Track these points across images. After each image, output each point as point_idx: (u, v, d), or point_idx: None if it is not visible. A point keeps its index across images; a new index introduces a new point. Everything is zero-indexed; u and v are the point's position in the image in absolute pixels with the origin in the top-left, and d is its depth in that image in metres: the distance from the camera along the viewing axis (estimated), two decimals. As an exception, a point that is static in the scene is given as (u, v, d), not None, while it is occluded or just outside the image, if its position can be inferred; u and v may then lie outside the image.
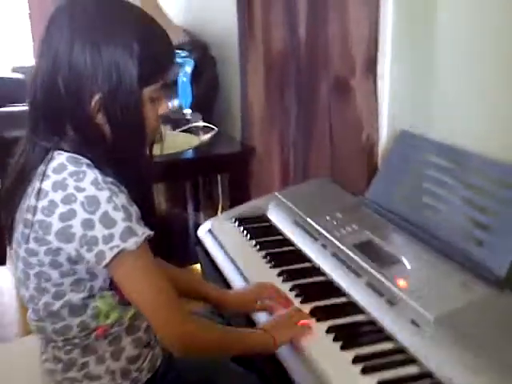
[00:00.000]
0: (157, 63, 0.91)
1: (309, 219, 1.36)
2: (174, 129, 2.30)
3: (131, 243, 0.85)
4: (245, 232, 1.40)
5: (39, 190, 0.87)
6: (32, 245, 0.89)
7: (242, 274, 1.25)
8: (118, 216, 0.84)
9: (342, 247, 1.21)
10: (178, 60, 2.30)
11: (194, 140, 2.19)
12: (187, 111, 2.33)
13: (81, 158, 0.88)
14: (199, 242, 1.47)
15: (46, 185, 0.87)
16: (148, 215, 0.91)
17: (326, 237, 1.27)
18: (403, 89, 1.42)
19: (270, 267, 1.24)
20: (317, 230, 1.31)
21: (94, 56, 0.85)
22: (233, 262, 1.30)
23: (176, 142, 2.15)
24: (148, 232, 0.88)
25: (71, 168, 0.86)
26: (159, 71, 0.92)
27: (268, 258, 1.27)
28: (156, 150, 2.02)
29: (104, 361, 0.97)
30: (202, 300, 1.16)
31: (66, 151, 0.89)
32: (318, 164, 1.71)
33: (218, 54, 2.48)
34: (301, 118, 1.77)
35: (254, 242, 1.35)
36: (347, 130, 1.55)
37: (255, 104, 2.07)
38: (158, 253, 1.15)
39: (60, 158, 0.88)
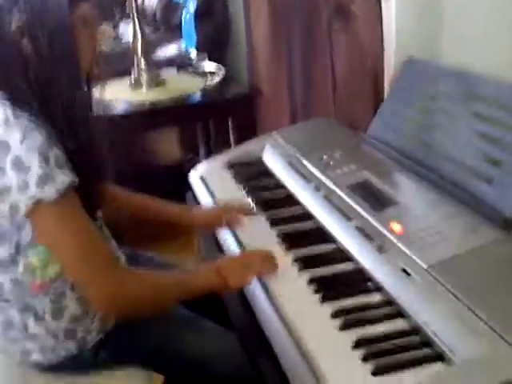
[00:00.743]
0: None
1: (304, 160, 1.23)
2: (178, 71, 2.17)
3: (49, 192, 0.75)
4: (235, 176, 1.29)
5: None
6: None
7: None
8: (33, 160, 0.74)
9: (334, 189, 1.09)
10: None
11: (200, 83, 2.06)
12: (192, 52, 2.19)
13: None
14: (189, 188, 1.37)
15: None
16: (83, 159, 0.80)
17: (319, 178, 1.14)
18: (411, 11, 1.25)
19: (258, 212, 1.13)
20: (311, 172, 1.18)
21: None
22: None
23: (180, 85, 2.04)
24: (71, 178, 0.77)
25: None
26: None
27: (256, 203, 1.16)
28: (158, 94, 1.95)
29: (43, 320, 0.87)
30: (167, 221, 1.13)
31: None
32: (320, 101, 1.56)
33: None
34: (303, 54, 1.62)
35: (243, 185, 1.24)
36: (350, 62, 1.39)
37: (261, 44, 1.92)
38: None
39: None
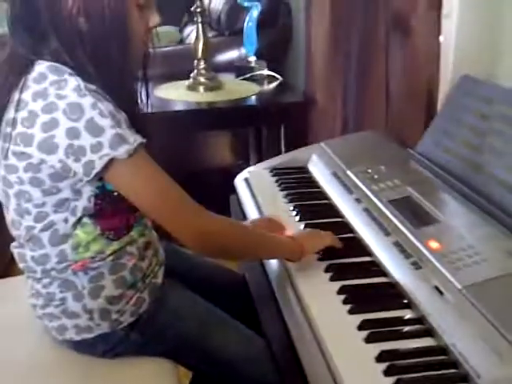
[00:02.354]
0: None
1: (348, 171, 1.22)
2: (236, 76, 2.20)
3: (122, 152, 0.79)
4: (279, 182, 1.30)
5: (18, 101, 0.82)
6: (11, 160, 0.84)
7: (267, 225, 1.15)
8: (106, 122, 0.79)
9: (376, 202, 1.08)
10: (245, 3, 2.19)
11: (255, 88, 2.09)
12: (252, 58, 2.22)
13: (62, 66, 0.82)
14: (234, 191, 1.39)
15: (26, 95, 0.82)
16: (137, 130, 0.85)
17: (361, 190, 1.14)
18: (472, 29, 1.23)
19: (296, 220, 1.13)
20: (353, 183, 1.18)
21: None
22: (260, 212, 1.21)
23: (236, 89, 2.07)
24: (140, 139, 0.82)
25: (52, 77, 0.81)
26: None
27: (296, 210, 1.16)
28: (214, 97, 1.98)
29: (82, 298, 0.91)
30: None
31: (47, 60, 0.83)
32: (373, 115, 1.55)
33: (294, 1, 2.34)
34: (359, 65, 1.61)
35: (285, 192, 1.25)
36: (404, 75, 1.38)
37: (318, 53, 1.93)
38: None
39: (40, 67, 0.83)
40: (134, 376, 0.94)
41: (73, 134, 0.79)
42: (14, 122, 0.82)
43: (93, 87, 0.81)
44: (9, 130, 0.83)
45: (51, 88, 0.80)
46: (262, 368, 0.95)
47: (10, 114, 0.84)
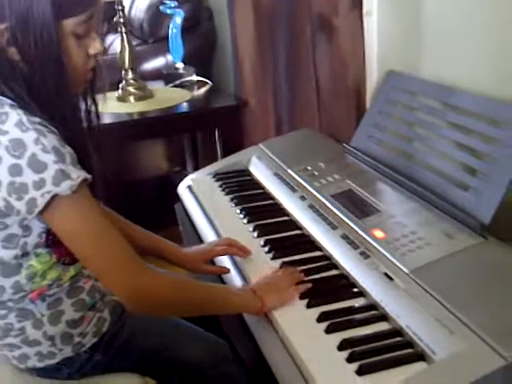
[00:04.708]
0: None
1: (289, 170, 1.27)
2: (165, 84, 2.20)
3: (65, 187, 0.77)
4: (223, 187, 1.32)
5: None
6: None
7: (216, 230, 1.17)
8: (49, 158, 0.77)
9: (319, 198, 1.13)
10: (167, 11, 2.19)
11: (187, 95, 2.10)
12: (179, 65, 2.22)
13: (3, 98, 0.80)
14: (178, 199, 1.40)
15: None
16: (82, 160, 0.83)
17: (304, 188, 1.18)
18: (392, 25, 1.29)
19: (244, 223, 1.16)
20: (296, 181, 1.22)
21: None
22: (208, 218, 1.23)
23: (167, 97, 2.07)
24: (84, 175, 0.80)
25: None
26: (80, 3, 0.81)
27: (243, 213, 1.19)
28: (146, 106, 1.97)
29: (42, 325, 0.90)
30: (157, 256, 1.08)
31: None
32: (305, 113, 1.60)
33: (215, 6, 2.36)
34: (287, 66, 1.66)
35: (231, 196, 1.27)
36: (333, 73, 1.44)
37: (246, 56, 1.96)
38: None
39: None
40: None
41: (15, 171, 0.77)
42: None
43: (36, 119, 0.79)
44: None
45: None
46: (227, 370, 0.97)
47: None
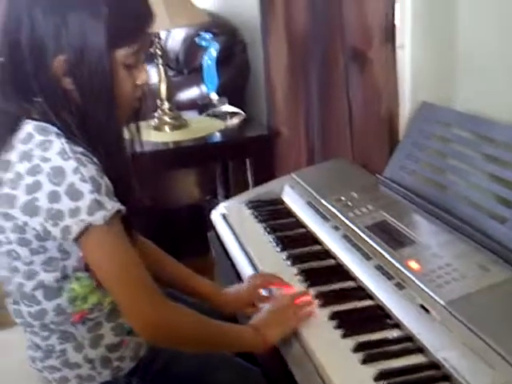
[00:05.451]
0: (128, 24, 0.85)
1: (322, 200, 1.28)
2: (199, 114, 2.25)
3: (99, 217, 0.80)
4: (256, 215, 1.34)
5: (6, 162, 0.84)
6: None
7: (249, 258, 1.19)
8: (85, 188, 0.80)
9: (354, 228, 1.13)
10: (202, 43, 2.25)
11: (220, 125, 2.14)
12: (213, 96, 2.27)
13: (49, 126, 0.84)
14: (212, 227, 1.42)
15: (13, 156, 0.83)
16: (124, 190, 0.86)
17: (338, 218, 1.19)
18: (425, 58, 1.31)
19: (278, 251, 1.17)
20: (329, 211, 1.23)
21: (55, 14, 0.80)
22: (242, 246, 1.24)
23: (201, 127, 2.11)
24: (118, 206, 0.83)
25: (38, 137, 0.83)
26: (132, 34, 0.86)
27: (276, 241, 1.20)
28: (180, 135, 2.02)
29: (82, 348, 0.92)
30: (191, 294, 1.09)
31: (35, 119, 0.85)
32: (338, 143, 1.62)
33: (249, 38, 2.42)
34: (320, 97, 1.68)
35: (264, 224, 1.29)
36: (366, 104, 1.46)
37: (279, 86, 1.99)
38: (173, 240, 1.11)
39: (27, 127, 0.84)
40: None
41: (53, 197, 0.80)
42: (0, 183, 0.84)
43: (78, 149, 0.82)
44: None
45: (36, 150, 0.82)
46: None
47: None
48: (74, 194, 0.79)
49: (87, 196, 0.80)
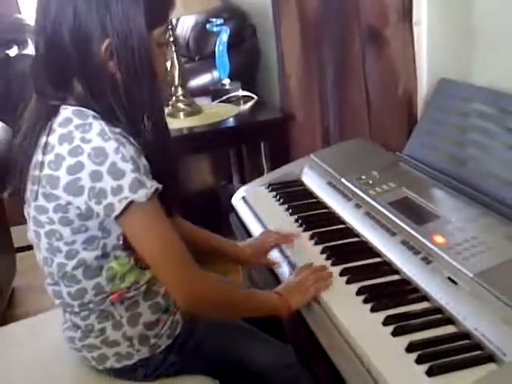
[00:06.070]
0: (161, 6, 0.89)
1: (343, 179, 1.28)
2: (212, 100, 2.25)
3: (141, 195, 0.83)
4: (277, 197, 1.35)
5: (45, 144, 0.86)
6: (41, 201, 0.88)
7: (273, 239, 1.20)
8: (127, 167, 0.82)
9: (376, 206, 1.14)
10: (214, 29, 2.25)
11: (234, 110, 2.14)
12: (226, 81, 2.27)
13: (87, 110, 0.86)
14: (233, 210, 1.43)
15: (52, 139, 0.86)
16: (164, 169, 0.89)
17: (359, 196, 1.20)
18: (442, 34, 1.31)
19: (302, 231, 1.18)
20: (351, 190, 1.23)
21: (99, 5, 0.83)
22: (265, 227, 1.25)
23: (215, 113, 2.12)
24: (157, 185, 0.85)
25: (77, 121, 0.85)
26: (164, 12, 0.90)
27: (300, 221, 1.21)
28: (195, 121, 2.03)
29: (121, 326, 0.95)
30: (211, 252, 1.19)
31: (71, 105, 0.87)
32: (356, 123, 1.62)
33: (258, 22, 2.41)
34: (336, 78, 1.68)
35: (286, 206, 1.30)
36: (383, 84, 1.45)
37: (292, 69, 1.99)
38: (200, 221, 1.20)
39: (65, 112, 0.87)
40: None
41: (96, 177, 0.82)
42: (41, 165, 0.86)
43: (117, 130, 0.85)
44: (37, 172, 0.87)
45: (76, 132, 0.84)
46: (292, 374, 0.99)
47: (38, 157, 0.87)
48: (116, 173, 0.82)
49: (129, 175, 0.82)
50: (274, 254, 1.17)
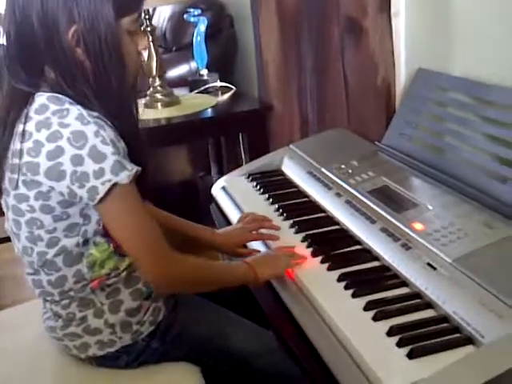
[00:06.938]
0: None
1: (323, 169, 1.30)
2: (190, 90, 2.24)
3: (123, 177, 0.83)
4: (258, 186, 1.36)
5: (23, 132, 0.85)
6: (21, 189, 0.87)
7: (254, 228, 1.20)
8: (108, 150, 0.83)
9: (356, 194, 1.15)
10: (191, 19, 2.24)
11: (212, 100, 2.14)
12: (204, 72, 2.27)
13: (62, 96, 0.86)
14: (213, 200, 1.43)
15: (30, 126, 0.85)
16: (137, 152, 0.89)
17: (340, 185, 1.21)
18: (420, 25, 1.32)
19: (283, 220, 1.19)
20: (331, 179, 1.25)
21: None
22: (245, 217, 1.26)
23: (193, 104, 2.11)
24: (136, 167, 0.86)
25: (54, 107, 0.85)
26: (134, 3, 0.89)
27: (280, 210, 1.22)
28: (173, 112, 2.02)
29: (102, 314, 0.95)
30: (189, 241, 1.18)
31: (45, 92, 0.86)
32: (334, 114, 1.63)
33: (236, 12, 2.41)
34: (315, 69, 1.69)
35: (266, 195, 1.31)
36: (362, 74, 1.47)
37: (270, 60, 2.00)
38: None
39: (40, 98, 0.86)
40: (161, 382, 0.98)
41: (77, 161, 0.82)
42: (20, 153, 0.85)
43: (95, 113, 0.85)
44: (16, 161, 0.86)
45: (54, 117, 0.83)
46: (274, 359, 1.00)
47: (16, 145, 0.86)
48: (97, 156, 0.82)
49: (110, 157, 0.82)
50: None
